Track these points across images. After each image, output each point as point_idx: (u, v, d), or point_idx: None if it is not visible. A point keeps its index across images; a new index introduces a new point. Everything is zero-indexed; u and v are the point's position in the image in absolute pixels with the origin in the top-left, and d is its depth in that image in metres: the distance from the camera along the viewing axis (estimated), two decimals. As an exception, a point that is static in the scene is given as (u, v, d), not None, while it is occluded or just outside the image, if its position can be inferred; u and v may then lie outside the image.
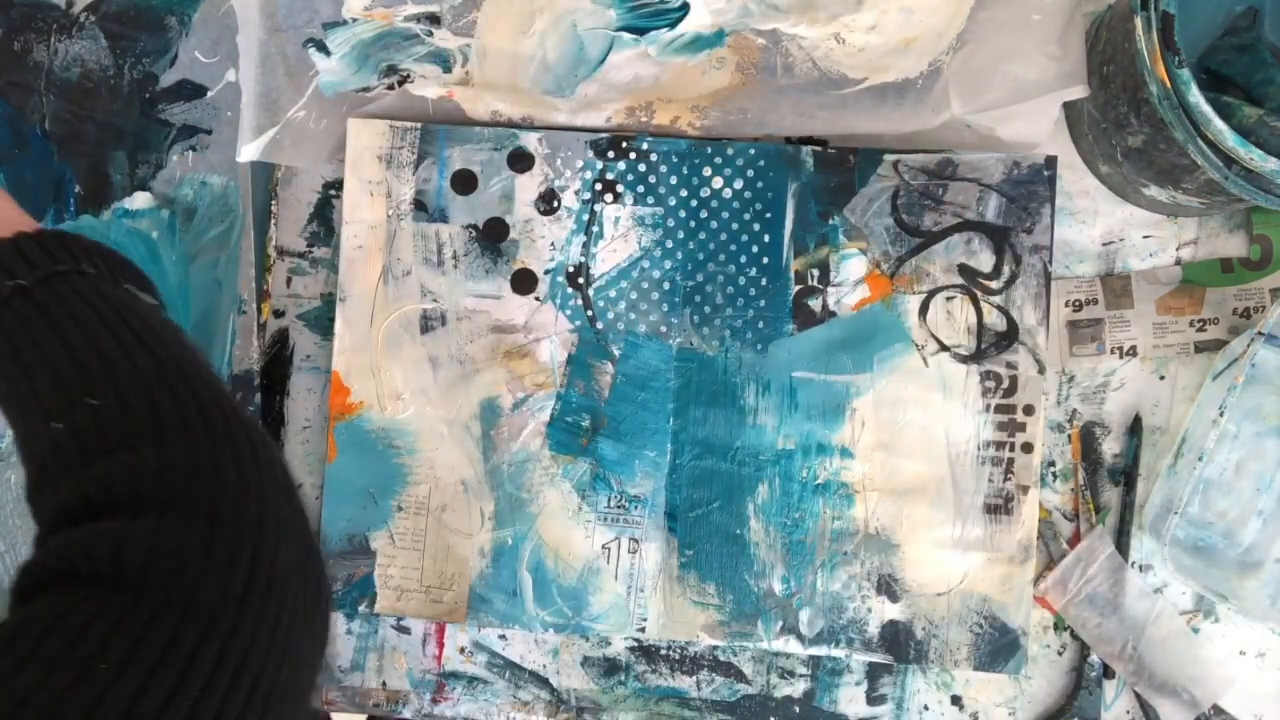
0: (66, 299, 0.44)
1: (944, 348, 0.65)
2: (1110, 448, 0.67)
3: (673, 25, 0.65)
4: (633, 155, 0.66)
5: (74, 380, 0.41)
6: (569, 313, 0.66)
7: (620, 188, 0.66)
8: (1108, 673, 0.66)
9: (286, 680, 0.37)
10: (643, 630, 0.65)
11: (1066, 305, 0.66)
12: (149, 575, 0.36)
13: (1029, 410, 0.64)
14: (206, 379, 0.43)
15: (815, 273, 0.65)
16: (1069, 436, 0.67)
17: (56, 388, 0.41)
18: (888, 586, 0.65)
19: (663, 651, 0.67)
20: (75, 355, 0.42)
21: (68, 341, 0.42)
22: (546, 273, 0.66)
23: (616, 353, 0.66)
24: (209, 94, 0.68)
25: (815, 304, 0.65)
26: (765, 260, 0.66)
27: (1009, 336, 0.64)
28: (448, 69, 0.67)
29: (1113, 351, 0.66)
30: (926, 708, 0.66)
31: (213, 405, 0.41)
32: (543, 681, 0.68)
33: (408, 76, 0.67)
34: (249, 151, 0.66)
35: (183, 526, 0.37)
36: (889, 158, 0.65)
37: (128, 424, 0.40)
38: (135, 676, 0.33)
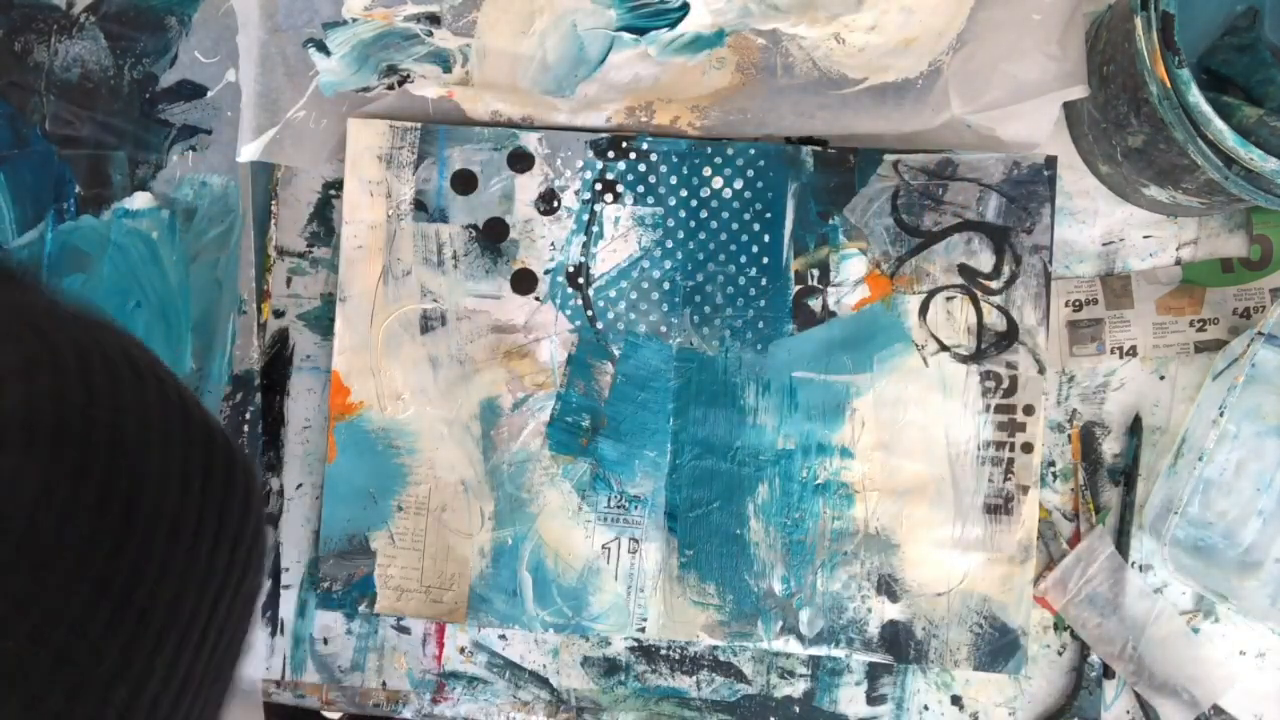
0: None
1: (944, 348, 0.65)
2: (1110, 448, 0.67)
3: (673, 25, 0.65)
4: (633, 155, 0.66)
5: None
6: (569, 313, 0.66)
7: (620, 188, 0.66)
8: (1108, 673, 0.66)
9: (203, 612, 0.35)
10: (643, 630, 0.65)
11: (1066, 305, 0.66)
12: (6, 510, 0.32)
13: (1029, 410, 0.64)
14: (88, 324, 0.38)
15: (815, 273, 0.65)
16: (1069, 436, 0.67)
17: None
18: (888, 586, 0.65)
19: (663, 651, 0.67)
20: None
21: None
22: (546, 273, 0.66)
23: (616, 353, 0.66)
24: (209, 94, 0.68)
25: (815, 304, 0.65)
26: (765, 260, 0.66)
27: (1009, 336, 0.64)
28: (448, 69, 0.67)
29: (1113, 351, 0.66)
30: (926, 708, 0.66)
31: (89, 344, 0.37)
32: (543, 681, 0.68)
33: (408, 76, 0.67)
34: (249, 151, 0.66)
35: (53, 458, 0.33)
36: (889, 158, 0.65)
37: None
38: (17, 627, 0.30)
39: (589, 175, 0.66)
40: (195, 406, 0.39)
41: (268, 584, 0.68)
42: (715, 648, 0.67)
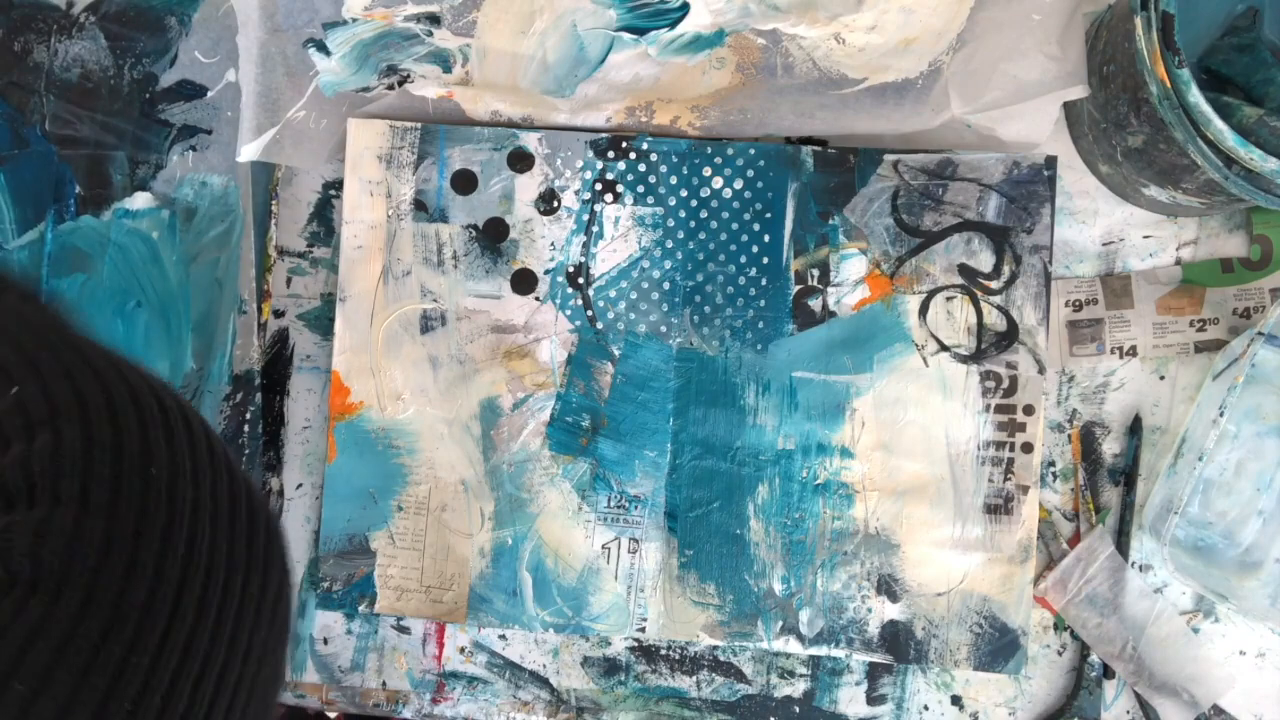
0: None
1: (944, 348, 0.65)
2: (1110, 448, 0.67)
3: (673, 25, 0.65)
4: (633, 155, 0.66)
5: None
6: (569, 313, 0.66)
7: (620, 188, 0.66)
8: (1108, 673, 0.66)
9: (238, 673, 0.35)
10: (643, 630, 0.65)
11: (1066, 305, 0.66)
12: (70, 572, 0.32)
13: (1029, 410, 0.64)
14: (130, 365, 0.40)
15: (815, 273, 0.65)
16: (1069, 436, 0.67)
17: None
18: (888, 586, 0.65)
19: (663, 651, 0.67)
20: None
21: None
22: (546, 273, 0.66)
23: (616, 353, 0.66)
24: (209, 94, 0.68)
25: (815, 304, 0.65)
26: (765, 260, 0.66)
27: (1009, 336, 0.64)
28: (448, 69, 0.67)
29: (1113, 351, 0.66)
30: (926, 708, 0.66)
31: (140, 386, 0.38)
32: (543, 681, 0.68)
33: (408, 76, 0.67)
34: (249, 151, 0.66)
35: (109, 515, 0.34)
36: (889, 158, 0.65)
37: (48, 407, 0.36)
38: (61, 686, 0.31)
39: (589, 175, 0.66)
40: (233, 459, 0.40)
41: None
42: (715, 648, 0.67)
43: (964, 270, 0.65)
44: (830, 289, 0.65)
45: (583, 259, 0.66)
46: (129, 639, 0.32)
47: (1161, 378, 0.66)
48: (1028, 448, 0.64)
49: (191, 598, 0.34)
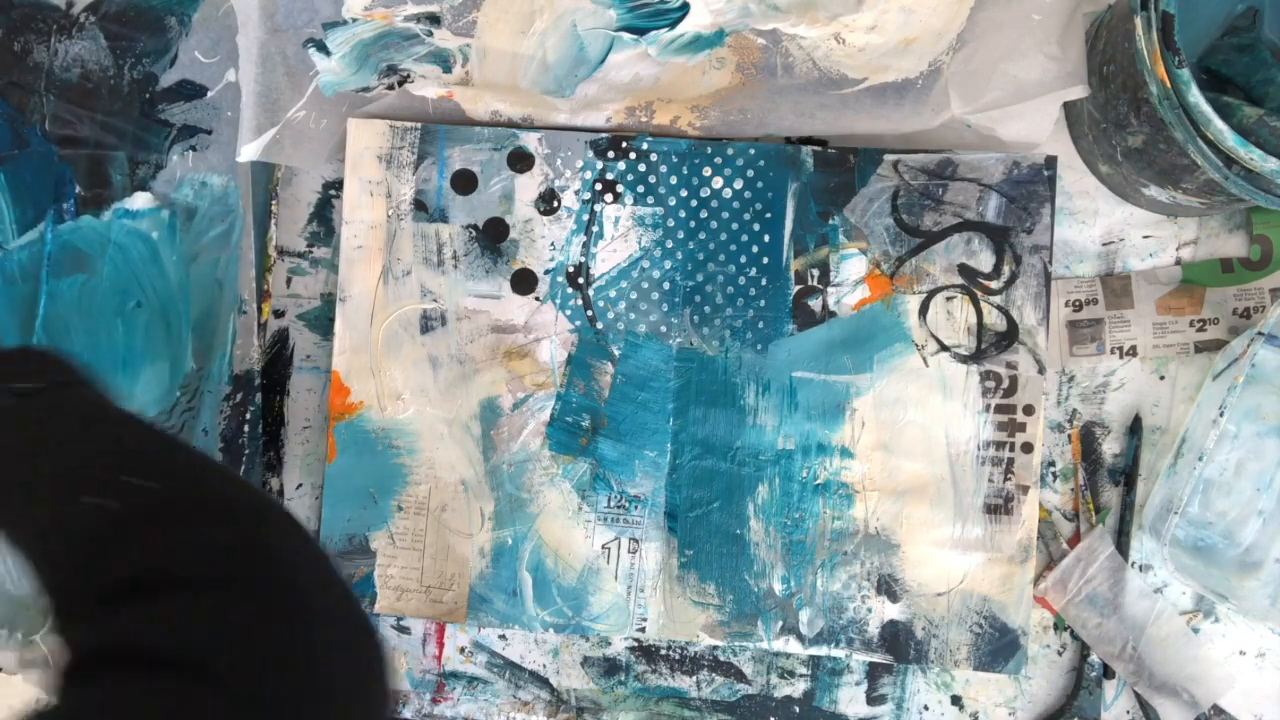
0: (93, 399, 0.45)
1: (944, 348, 0.65)
2: (1110, 448, 0.67)
3: (672, 25, 0.65)
4: (633, 155, 0.66)
5: (124, 464, 0.41)
6: (569, 313, 0.66)
7: (620, 188, 0.66)
8: (1108, 673, 0.66)
9: None
10: (643, 630, 0.65)
11: (1066, 305, 0.66)
12: (230, 667, 0.34)
13: (1029, 410, 0.64)
14: (236, 473, 0.44)
15: (815, 273, 0.65)
16: (1069, 436, 0.67)
17: (106, 468, 0.40)
18: (888, 586, 0.65)
19: (663, 651, 0.67)
20: (122, 442, 0.42)
21: (107, 432, 0.43)
22: (546, 273, 0.66)
23: (616, 353, 0.66)
24: (209, 94, 0.68)
25: (815, 304, 0.65)
26: (765, 260, 0.66)
27: (1009, 336, 0.64)
28: (448, 69, 0.67)
29: (1113, 351, 0.66)
30: (926, 708, 0.66)
31: (257, 493, 0.42)
32: (543, 681, 0.68)
33: (408, 76, 0.67)
34: (249, 151, 0.66)
35: (258, 611, 0.36)
36: (889, 158, 0.65)
37: (186, 505, 0.39)
38: None
39: (589, 175, 0.66)
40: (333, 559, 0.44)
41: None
42: (715, 648, 0.67)
43: (964, 270, 0.65)
44: (830, 289, 0.65)
45: (583, 259, 0.66)
46: None
47: (1161, 378, 0.66)
48: (1028, 448, 0.64)
49: (325, 691, 0.37)
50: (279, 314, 0.70)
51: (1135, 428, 0.66)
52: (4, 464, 0.42)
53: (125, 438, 0.43)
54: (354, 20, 0.67)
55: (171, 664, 0.34)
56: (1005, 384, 0.64)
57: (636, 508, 0.66)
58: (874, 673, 0.66)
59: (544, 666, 0.68)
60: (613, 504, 0.66)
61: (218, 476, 0.43)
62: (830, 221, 0.65)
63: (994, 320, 0.65)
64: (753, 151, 0.66)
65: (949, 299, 0.65)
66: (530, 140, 0.66)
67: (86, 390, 0.46)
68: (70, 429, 0.43)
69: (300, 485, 0.69)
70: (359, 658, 0.39)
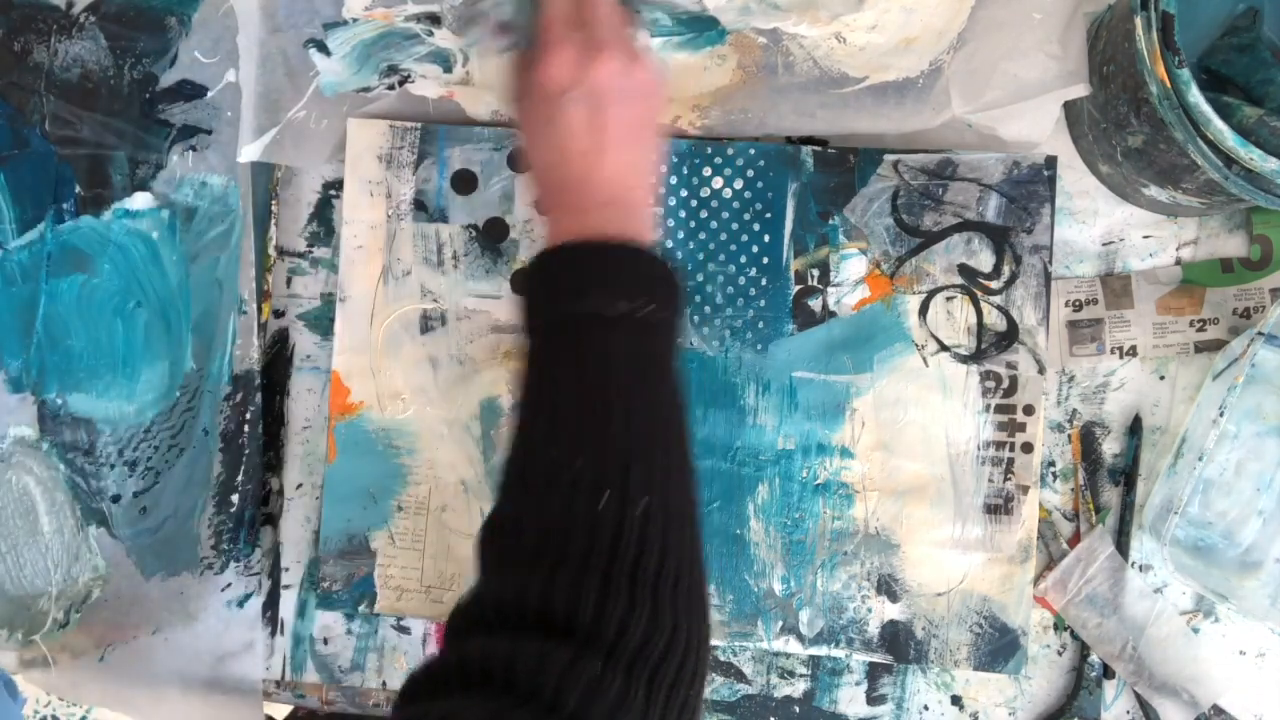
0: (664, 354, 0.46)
1: (944, 348, 0.65)
2: (1110, 448, 0.67)
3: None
4: (633, 155, 0.66)
5: (618, 452, 0.42)
6: (569, 313, 0.66)
7: (620, 188, 0.66)
8: (1108, 673, 0.66)
9: None
10: (643, 630, 0.65)
11: (1066, 305, 0.66)
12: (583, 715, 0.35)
13: (1029, 410, 0.64)
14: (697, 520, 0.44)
15: (815, 273, 0.65)
16: (1069, 436, 0.67)
17: (605, 441, 0.42)
18: (888, 586, 0.65)
19: (663, 651, 0.67)
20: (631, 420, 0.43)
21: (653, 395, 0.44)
22: (546, 273, 0.66)
23: (616, 353, 0.66)
24: (209, 94, 0.68)
25: (815, 304, 0.65)
26: (765, 260, 0.66)
27: (1009, 336, 0.64)
28: (448, 69, 0.67)
29: (1113, 351, 0.66)
30: (926, 708, 0.66)
31: (696, 562, 0.43)
32: (543, 681, 0.68)
33: (408, 76, 0.67)
34: (249, 151, 0.66)
35: (624, 675, 0.37)
36: (889, 158, 0.65)
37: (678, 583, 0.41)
38: None
39: (589, 175, 0.66)
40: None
41: (268, 584, 0.68)
42: (715, 648, 0.67)
43: (964, 270, 0.65)
44: (830, 289, 0.65)
45: (583, 259, 0.66)
46: None
47: (1161, 378, 0.66)
48: (1028, 448, 0.64)
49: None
50: (279, 314, 0.70)
51: (1135, 428, 0.66)
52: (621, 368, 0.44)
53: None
54: (354, 20, 0.67)
55: (510, 693, 0.35)
56: (1005, 384, 0.64)
57: (636, 508, 0.65)
58: (874, 673, 0.66)
59: (544, 666, 0.68)
60: (613, 504, 0.66)
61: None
62: (830, 221, 0.65)
63: (994, 320, 0.65)
64: (753, 151, 0.65)
65: (949, 299, 0.65)
66: (530, 140, 0.66)
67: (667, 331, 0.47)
68: (660, 386, 0.45)
69: (300, 485, 0.69)
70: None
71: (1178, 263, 0.66)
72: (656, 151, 0.50)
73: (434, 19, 0.66)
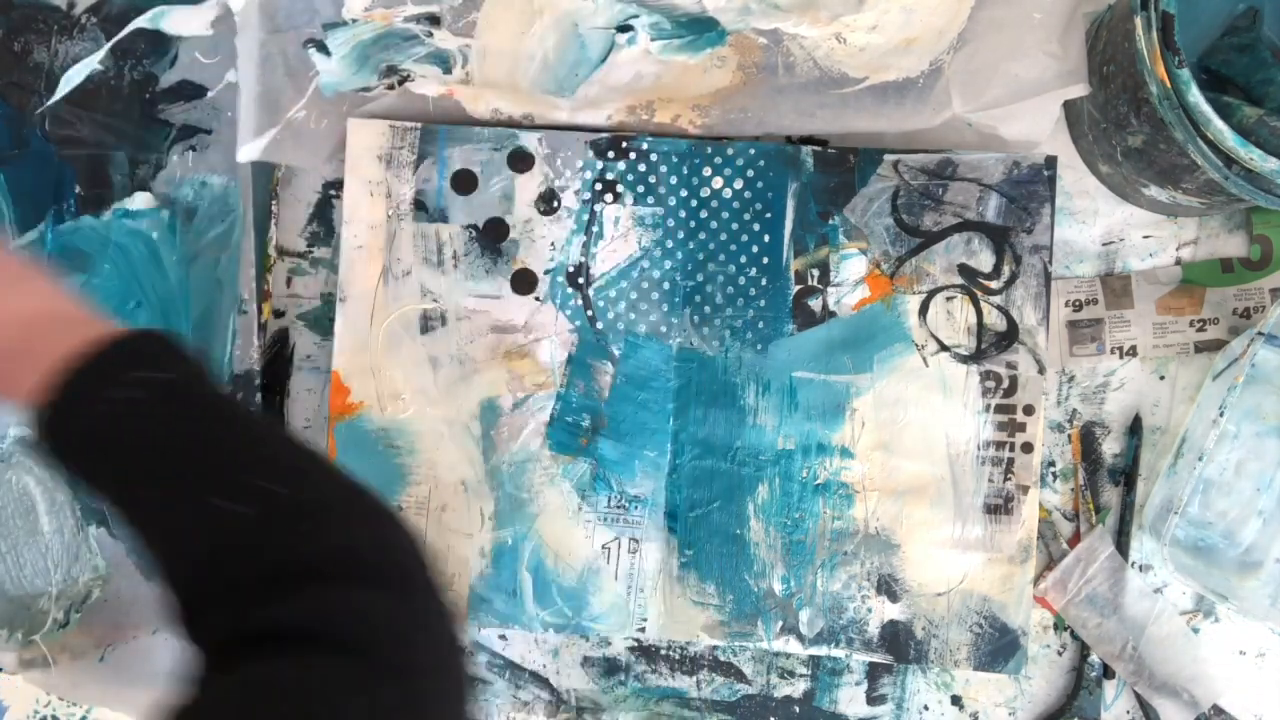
0: (215, 393, 0.46)
1: (944, 348, 0.65)
2: (1110, 448, 0.67)
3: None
4: (633, 155, 0.66)
5: (255, 467, 0.42)
6: (569, 313, 0.66)
7: (620, 188, 0.66)
8: (1108, 673, 0.66)
9: None
10: (643, 630, 0.65)
11: (1066, 305, 0.66)
12: (375, 641, 0.37)
13: (1029, 410, 0.64)
14: (351, 475, 0.45)
15: (815, 273, 0.65)
16: (1069, 436, 0.67)
17: (239, 470, 0.42)
18: (888, 586, 0.65)
19: (663, 651, 0.67)
20: (250, 442, 0.44)
21: (235, 430, 0.44)
22: (546, 273, 0.66)
23: (616, 353, 0.66)
24: (209, 94, 0.68)
25: (815, 304, 0.65)
26: (765, 260, 0.66)
27: (1009, 336, 0.64)
28: (448, 70, 0.67)
29: (1113, 351, 0.66)
30: (926, 708, 0.66)
31: (376, 496, 0.44)
32: (543, 681, 0.68)
33: (408, 76, 0.67)
34: (249, 151, 0.66)
35: (397, 595, 0.40)
36: (889, 158, 0.65)
37: (315, 507, 0.42)
38: None
39: (589, 175, 0.66)
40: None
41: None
42: (715, 648, 0.67)
43: (964, 270, 0.65)
44: (830, 289, 0.65)
45: (583, 259, 0.66)
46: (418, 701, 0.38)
47: (1161, 378, 0.66)
48: (1028, 448, 0.64)
49: (454, 670, 0.42)
50: (279, 314, 0.70)
51: (1135, 428, 0.66)
52: (135, 461, 0.43)
53: (253, 437, 0.44)
54: (354, 21, 0.67)
55: (316, 642, 0.37)
56: (1005, 384, 0.64)
57: (636, 508, 0.66)
58: (874, 673, 0.66)
59: (544, 666, 0.68)
60: (613, 504, 0.66)
61: (340, 478, 0.44)
62: (830, 221, 0.65)
63: (994, 320, 0.65)
64: (753, 151, 0.66)
65: (949, 299, 0.65)
66: (530, 140, 0.66)
67: (209, 383, 0.46)
68: (199, 427, 0.43)
69: (300, 485, 0.69)
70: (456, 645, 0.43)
71: (1178, 263, 0.66)
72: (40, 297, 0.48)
73: (433, 20, 0.66)
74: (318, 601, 0.38)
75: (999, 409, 0.64)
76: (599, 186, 0.66)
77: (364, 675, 0.36)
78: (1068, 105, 0.65)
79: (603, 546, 0.66)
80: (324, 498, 0.43)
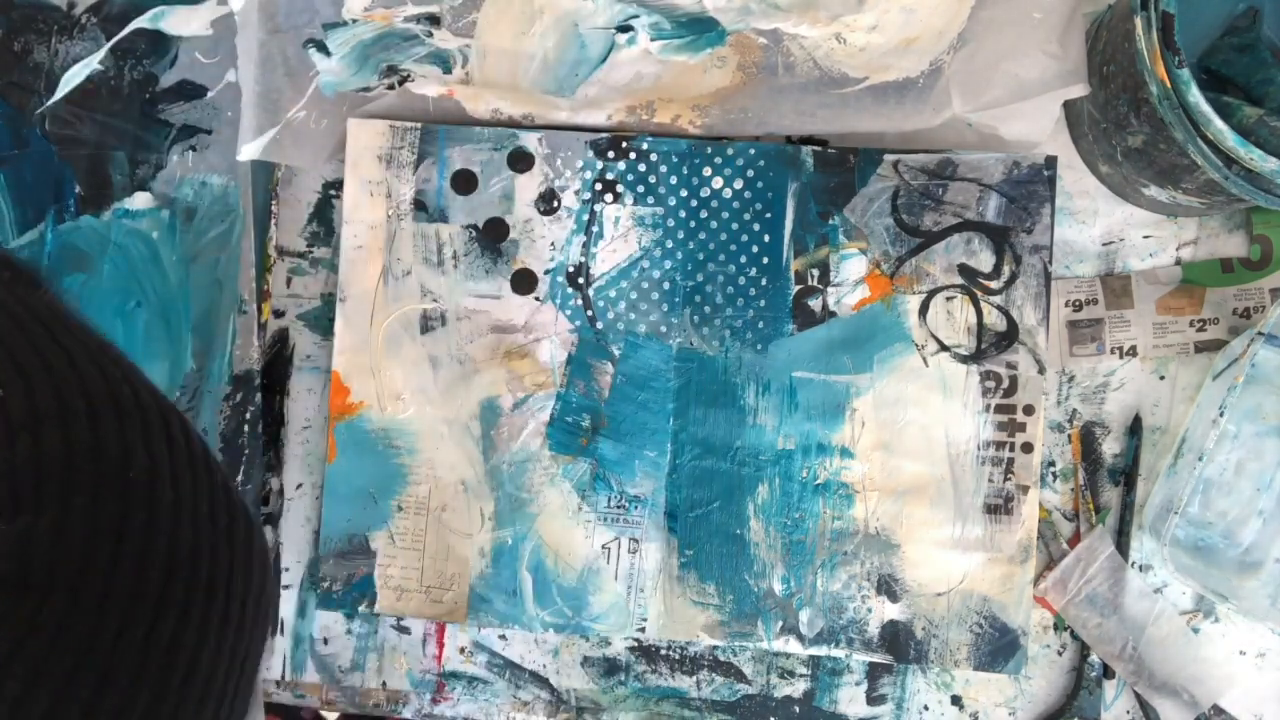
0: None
1: (944, 348, 0.65)
2: (1110, 448, 0.67)
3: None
4: (633, 155, 0.66)
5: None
6: (569, 313, 0.66)
7: (620, 188, 0.66)
8: (1108, 673, 0.66)
9: (224, 670, 0.36)
10: (643, 630, 0.65)
11: (1066, 305, 0.66)
12: (56, 574, 0.33)
13: (1029, 410, 0.64)
14: (116, 361, 0.40)
15: (815, 273, 0.65)
16: (1069, 436, 0.67)
17: None
18: (888, 586, 0.65)
19: (663, 651, 0.67)
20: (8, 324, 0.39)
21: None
22: (546, 273, 0.66)
23: (616, 353, 0.66)
24: (209, 94, 0.68)
25: (815, 304, 0.65)
26: (765, 260, 0.66)
27: (1009, 336, 0.64)
28: (448, 70, 0.67)
29: (1113, 351, 0.66)
30: (926, 708, 0.66)
31: (122, 385, 0.38)
32: (543, 681, 0.68)
33: (408, 76, 0.67)
34: (249, 151, 0.66)
35: (91, 517, 0.34)
36: (889, 158, 0.65)
37: (29, 411, 0.36)
38: (52, 683, 0.31)
39: (589, 175, 0.66)
40: (214, 459, 0.40)
41: (267, 584, 0.68)
42: (715, 648, 0.67)
43: (964, 270, 0.65)
44: (830, 289, 0.65)
45: (583, 259, 0.66)
46: (114, 637, 0.33)
47: (1161, 378, 0.66)
48: (1028, 448, 0.64)
49: (174, 597, 0.35)
50: (279, 314, 0.70)
51: (1135, 428, 0.66)
52: None
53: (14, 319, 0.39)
54: (354, 21, 0.67)
55: None
56: (1005, 384, 0.64)
57: (636, 508, 0.66)
58: (874, 673, 0.66)
59: (544, 666, 0.68)
60: (613, 504, 0.66)
61: (97, 365, 0.39)
62: (830, 221, 0.65)
63: (994, 320, 0.65)
64: (753, 151, 0.66)
65: (949, 299, 0.65)
66: (530, 140, 0.66)
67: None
68: None
69: (300, 485, 0.69)
70: (220, 555, 0.37)
71: (1178, 263, 0.66)
72: None
73: (433, 20, 0.66)
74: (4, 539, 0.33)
75: (999, 409, 0.64)
76: (599, 186, 0.66)
77: (33, 613, 0.32)
78: (1068, 105, 0.65)
79: (603, 546, 0.66)
80: (54, 398, 0.37)
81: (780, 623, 0.65)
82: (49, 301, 0.44)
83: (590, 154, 0.66)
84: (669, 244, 0.66)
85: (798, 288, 0.65)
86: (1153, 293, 0.66)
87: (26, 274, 0.45)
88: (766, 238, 0.66)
